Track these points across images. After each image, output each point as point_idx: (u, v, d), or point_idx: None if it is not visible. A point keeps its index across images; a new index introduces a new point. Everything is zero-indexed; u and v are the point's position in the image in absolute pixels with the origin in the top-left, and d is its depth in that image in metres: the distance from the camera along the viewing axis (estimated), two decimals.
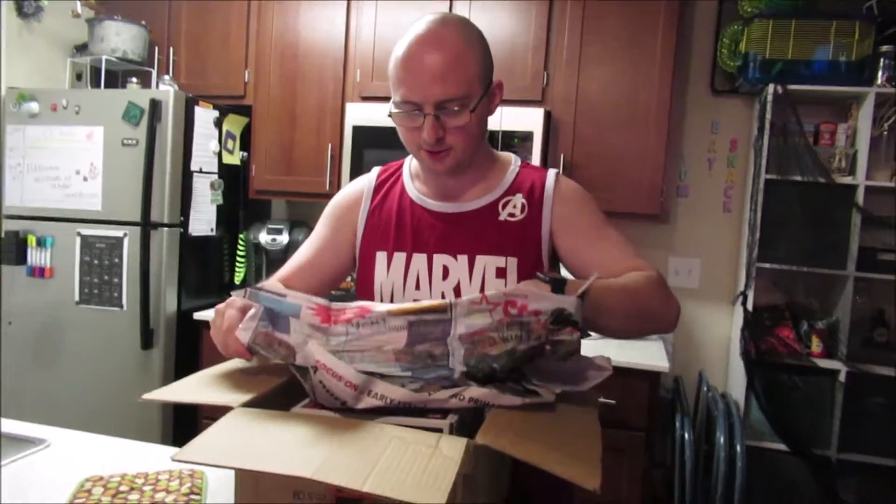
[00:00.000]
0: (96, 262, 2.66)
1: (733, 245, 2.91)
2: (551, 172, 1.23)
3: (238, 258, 3.03)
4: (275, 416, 0.80)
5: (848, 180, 2.52)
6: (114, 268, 2.63)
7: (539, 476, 0.72)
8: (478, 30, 1.13)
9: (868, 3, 2.59)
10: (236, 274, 3.03)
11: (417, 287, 1.17)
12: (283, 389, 0.93)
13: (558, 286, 0.97)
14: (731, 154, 2.91)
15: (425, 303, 0.89)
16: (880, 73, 2.49)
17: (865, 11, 2.57)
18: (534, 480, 0.84)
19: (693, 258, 2.95)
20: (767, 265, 2.57)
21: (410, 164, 1.29)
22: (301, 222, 3.12)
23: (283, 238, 2.97)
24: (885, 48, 2.49)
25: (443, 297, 1.15)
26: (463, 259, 1.15)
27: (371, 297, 1.20)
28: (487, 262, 1.14)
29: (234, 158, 2.97)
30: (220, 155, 2.86)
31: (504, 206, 1.19)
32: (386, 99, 2.90)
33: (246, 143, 3.02)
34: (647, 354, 2.41)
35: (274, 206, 3.41)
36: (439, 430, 0.80)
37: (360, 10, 2.85)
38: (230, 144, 2.93)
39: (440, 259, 1.16)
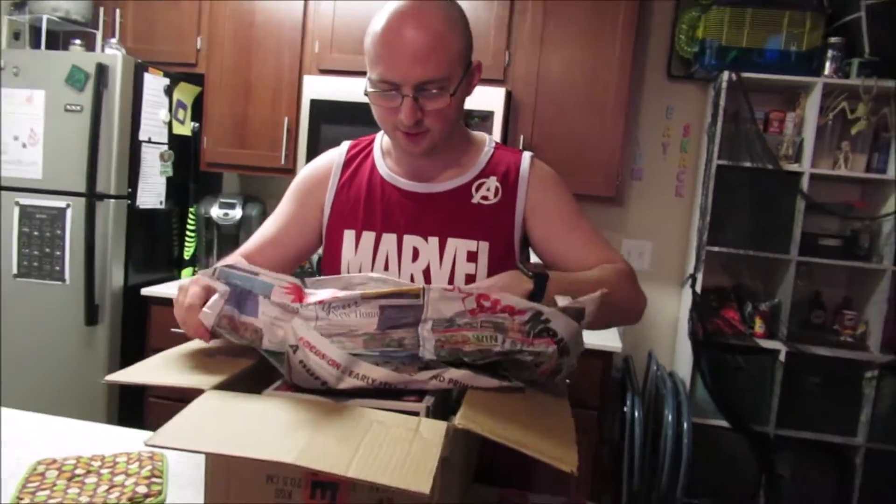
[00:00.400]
0: (36, 233, 2.54)
1: (683, 229, 2.99)
2: (526, 156, 1.21)
3: (188, 232, 2.94)
4: (249, 399, 0.77)
5: (794, 167, 2.61)
6: (56, 240, 2.51)
7: (503, 452, 0.73)
8: (459, 7, 1.09)
9: None
10: (186, 249, 2.94)
11: (386, 268, 1.14)
12: (252, 371, 0.91)
13: (541, 283, 0.97)
14: (685, 139, 2.97)
15: (398, 286, 0.88)
16: (828, 64, 2.57)
17: (816, 3, 2.64)
18: (497, 456, 0.85)
19: (645, 241, 3.01)
20: (716, 248, 2.65)
21: (382, 141, 1.25)
22: (254, 197, 3.05)
23: (236, 213, 2.90)
24: (833, 40, 2.57)
25: (412, 279, 1.14)
26: (434, 241, 1.14)
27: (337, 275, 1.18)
28: (458, 246, 1.13)
29: (184, 129, 2.86)
30: (170, 125, 2.75)
31: (477, 189, 1.17)
32: (345, 72, 2.85)
33: (198, 114, 2.91)
34: (599, 335, 2.46)
35: (225, 180, 3.32)
36: (416, 414, 0.79)
37: None
38: (181, 114, 2.83)
39: (410, 240, 1.14)
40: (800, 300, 2.74)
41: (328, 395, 0.82)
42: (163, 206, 2.78)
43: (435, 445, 0.68)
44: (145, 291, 2.64)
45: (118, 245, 2.55)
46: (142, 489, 0.96)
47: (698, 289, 2.68)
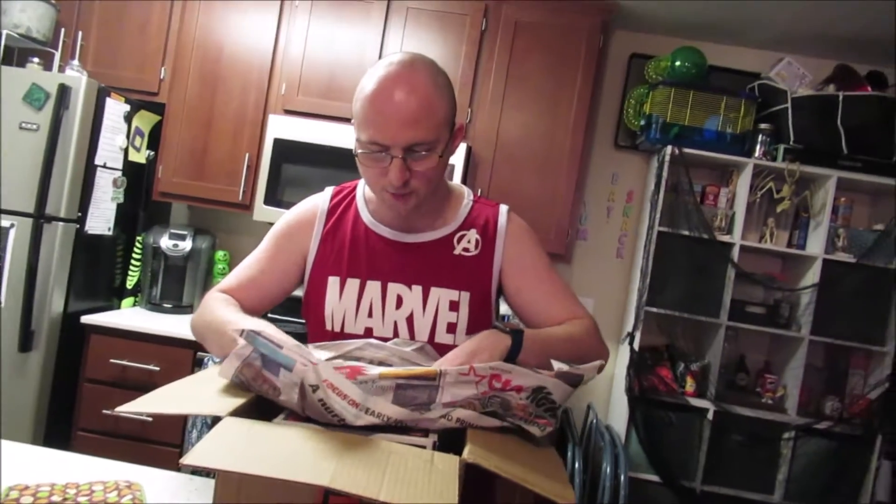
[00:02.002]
0: None
1: (623, 288, 3.15)
2: (503, 209, 1.27)
3: (133, 261, 2.87)
4: (268, 427, 0.80)
5: (726, 238, 2.82)
6: None
7: (471, 484, 0.78)
8: (444, 72, 1.13)
9: (751, 85, 2.95)
10: (129, 277, 2.86)
11: (370, 314, 1.17)
12: (255, 402, 0.93)
13: (518, 339, 1.05)
14: (628, 205, 3.17)
15: (416, 369, 0.91)
16: (758, 147, 2.83)
17: (748, 91, 2.92)
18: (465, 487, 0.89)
19: (587, 298, 3.15)
20: (654, 309, 2.81)
21: (364, 188, 1.28)
22: (205, 230, 3.02)
23: (186, 244, 2.85)
24: (763, 126, 2.83)
25: (395, 326, 1.17)
26: (417, 289, 1.17)
27: (320, 321, 1.19)
28: (441, 295, 1.17)
29: (139, 157, 2.82)
30: (126, 151, 2.71)
31: (459, 241, 1.21)
32: (310, 115, 2.91)
33: (154, 142, 2.88)
34: None
35: (174, 211, 3.26)
36: (423, 447, 0.84)
37: (292, 21, 2.83)
38: (138, 141, 2.79)
39: (394, 288, 1.17)
40: (727, 362, 2.92)
41: (337, 427, 0.85)
42: (110, 233, 2.71)
43: (452, 475, 0.73)
44: (85, 319, 2.55)
45: (62, 270, 2.47)
46: None
47: (636, 346, 2.83)
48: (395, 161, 1.05)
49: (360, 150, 1.08)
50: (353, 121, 1.10)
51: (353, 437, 0.80)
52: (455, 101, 1.14)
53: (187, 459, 0.67)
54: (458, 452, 0.80)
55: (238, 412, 0.85)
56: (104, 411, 2.49)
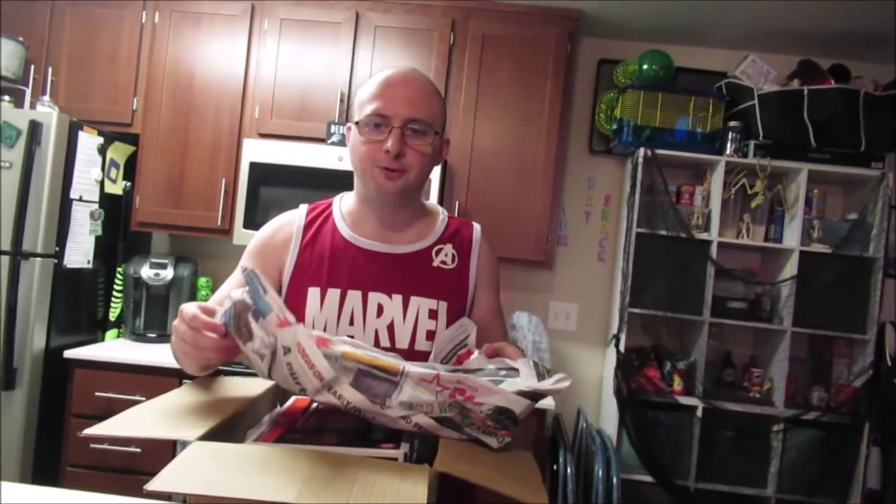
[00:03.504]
0: None
1: (606, 291, 3.17)
2: (477, 228, 1.34)
3: (114, 293, 2.86)
4: (236, 448, 0.80)
5: (704, 236, 2.85)
6: None
7: (452, 490, 0.80)
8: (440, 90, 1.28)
9: (718, 84, 3.00)
10: (112, 309, 2.85)
11: (351, 323, 1.19)
12: (225, 427, 0.93)
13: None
14: (605, 208, 3.20)
15: (380, 359, 0.91)
16: (729, 145, 2.87)
17: (716, 91, 2.96)
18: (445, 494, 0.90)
19: (571, 303, 3.17)
20: (637, 310, 2.83)
21: (341, 204, 1.31)
22: (186, 257, 3.01)
23: (168, 273, 2.85)
24: (732, 124, 2.87)
25: (376, 334, 1.19)
26: (398, 298, 1.20)
27: None
28: (421, 304, 1.20)
29: (116, 188, 2.82)
30: (102, 183, 2.71)
31: (437, 254, 1.26)
32: (284, 136, 2.93)
33: (130, 173, 2.88)
34: None
35: (155, 240, 3.26)
36: (394, 459, 0.84)
37: (262, 45, 2.86)
38: (113, 173, 2.79)
39: (375, 297, 1.20)
40: (713, 359, 2.94)
41: (306, 440, 0.86)
42: (90, 266, 2.70)
43: (422, 486, 0.74)
44: (68, 354, 2.53)
45: (42, 305, 2.45)
46: None
47: (622, 348, 2.84)
48: (395, 131, 1.15)
49: (362, 121, 1.18)
50: (351, 114, 1.26)
51: (320, 452, 0.80)
52: (446, 113, 1.27)
53: (152, 485, 0.67)
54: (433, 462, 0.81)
55: (207, 436, 0.85)
56: (92, 445, 2.47)
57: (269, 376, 0.88)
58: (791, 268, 2.83)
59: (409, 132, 1.16)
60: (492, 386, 0.91)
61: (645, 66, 2.93)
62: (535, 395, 0.93)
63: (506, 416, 0.91)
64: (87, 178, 2.62)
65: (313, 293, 1.21)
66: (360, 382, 0.89)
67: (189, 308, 0.95)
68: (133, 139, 2.88)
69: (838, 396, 2.85)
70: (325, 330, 1.19)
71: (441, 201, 2.75)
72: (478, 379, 0.92)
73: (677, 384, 2.84)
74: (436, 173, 2.67)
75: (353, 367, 0.89)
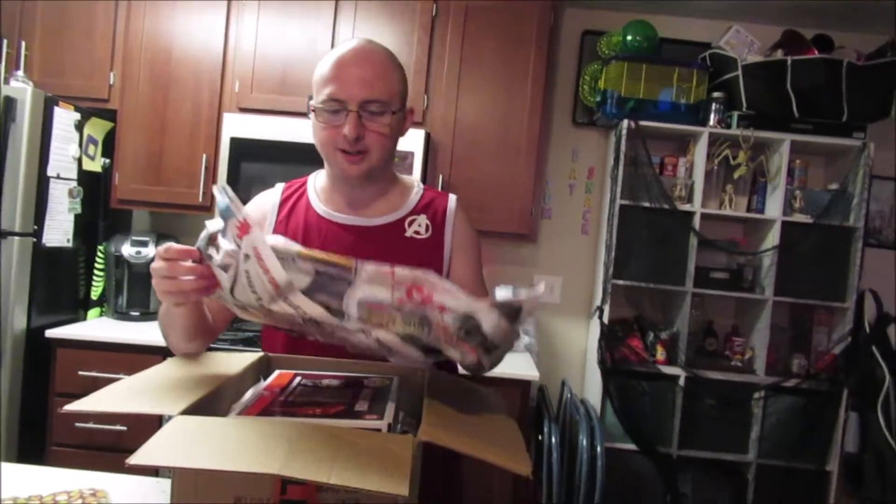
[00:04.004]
0: None
1: (590, 264, 3.19)
2: (452, 198, 1.34)
3: (96, 272, 2.83)
4: (218, 422, 0.80)
5: (687, 207, 2.87)
6: None
7: (431, 481, 0.81)
8: (398, 59, 1.24)
9: (701, 55, 2.99)
10: (93, 288, 2.83)
11: None
12: (209, 401, 0.93)
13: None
14: (589, 181, 3.20)
15: (334, 256, 0.89)
16: (712, 116, 2.87)
17: (700, 61, 2.95)
18: (425, 486, 0.90)
19: (556, 276, 3.19)
20: (621, 282, 2.85)
21: (315, 181, 1.33)
22: (167, 235, 2.98)
23: (149, 251, 2.82)
24: (716, 95, 2.87)
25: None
26: None
27: None
28: None
29: (95, 165, 2.78)
30: (80, 161, 2.67)
31: (410, 224, 1.27)
32: (265, 111, 2.88)
33: (109, 150, 2.83)
34: (517, 366, 2.58)
35: (135, 217, 3.22)
36: (378, 430, 0.85)
37: (241, 18, 2.80)
38: (91, 150, 2.74)
39: None
40: (695, 329, 2.97)
41: (289, 413, 0.87)
42: (70, 245, 2.67)
43: (406, 455, 0.74)
44: (50, 333, 2.51)
45: (21, 285, 2.43)
46: None
47: (605, 320, 2.87)
48: (351, 115, 1.14)
49: (319, 107, 1.16)
50: (311, 95, 1.19)
51: (304, 424, 0.80)
52: (407, 83, 1.24)
53: (134, 459, 0.67)
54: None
55: (190, 410, 0.85)
56: (77, 424, 2.47)
57: (232, 294, 0.87)
58: (773, 238, 2.86)
59: (366, 114, 1.15)
60: (451, 286, 0.87)
61: (629, 38, 2.91)
62: (510, 310, 0.87)
63: (473, 330, 0.86)
64: (65, 154, 2.58)
65: None
66: (318, 283, 0.86)
67: (165, 244, 0.96)
68: (111, 115, 2.83)
69: (818, 363, 2.90)
70: None
71: (424, 175, 2.73)
72: (436, 278, 0.88)
73: (660, 354, 2.87)
74: (419, 147, 2.66)
75: (310, 270, 0.86)
